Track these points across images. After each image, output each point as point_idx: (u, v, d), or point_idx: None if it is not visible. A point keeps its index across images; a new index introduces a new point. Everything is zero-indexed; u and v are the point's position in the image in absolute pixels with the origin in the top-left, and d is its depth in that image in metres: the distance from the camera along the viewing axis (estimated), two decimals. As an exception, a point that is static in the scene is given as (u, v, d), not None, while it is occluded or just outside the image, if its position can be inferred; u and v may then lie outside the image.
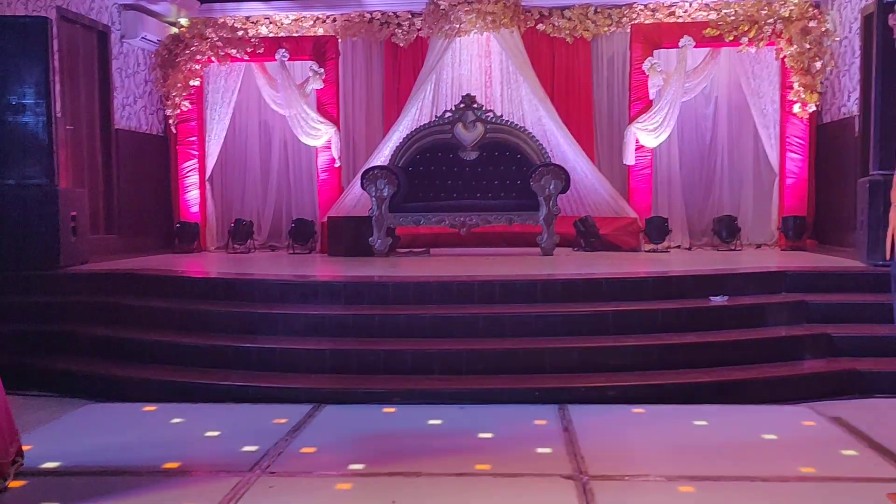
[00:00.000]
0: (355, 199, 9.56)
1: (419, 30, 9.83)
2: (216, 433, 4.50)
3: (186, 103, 9.91)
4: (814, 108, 9.21)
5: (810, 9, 9.19)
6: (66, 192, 7.20)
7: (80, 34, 8.69)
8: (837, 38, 9.03)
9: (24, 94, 6.78)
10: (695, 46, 9.40)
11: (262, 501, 3.47)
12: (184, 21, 10.00)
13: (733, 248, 9.22)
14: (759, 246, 9.63)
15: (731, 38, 9.19)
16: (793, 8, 9.17)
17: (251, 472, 3.80)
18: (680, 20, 9.63)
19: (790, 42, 9.08)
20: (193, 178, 10.08)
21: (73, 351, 6.04)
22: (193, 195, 10.08)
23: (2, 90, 6.77)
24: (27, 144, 6.85)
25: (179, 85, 9.81)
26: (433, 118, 9.53)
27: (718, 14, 9.37)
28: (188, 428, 4.68)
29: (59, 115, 7.44)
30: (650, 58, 9.47)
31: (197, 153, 10.08)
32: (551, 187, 8.23)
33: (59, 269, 6.87)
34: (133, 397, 5.28)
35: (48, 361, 5.80)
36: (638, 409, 4.81)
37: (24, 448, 3.77)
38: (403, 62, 10.29)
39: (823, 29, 9.08)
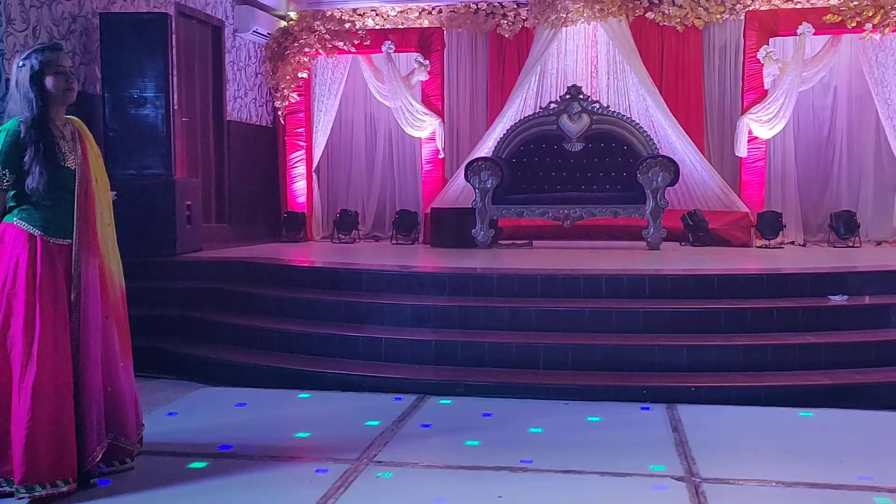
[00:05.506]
0: (458, 190, 9.57)
1: (525, 20, 9.74)
2: (324, 420, 4.57)
3: (294, 95, 10.11)
4: (944, 98, 8.72)
5: (941, -9, 8.67)
6: (181, 182, 7.42)
7: (196, 29, 8.97)
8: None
9: (145, 87, 7.04)
10: (814, 34, 9.01)
11: (370, 490, 3.49)
12: (293, 14, 10.20)
13: (851, 244, 8.80)
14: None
15: (854, 24, 8.74)
16: (922, -10, 8.67)
17: (359, 460, 3.84)
18: (798, 6, 9.19)
19: (919, 28, 8.60)
20: (301, 169, 10.28)
21: (188, 335, 6.25)
22: (300, 185, 10.28)
23: (124, 84, 7.04)
24: (147, 136, 7.10)
25: (288, 77, 10.02)
26: (538, 109, 9.45)
27: (840, -1, 8.96)
28: (297, 414, 4.77)
29: (176, 107, 7.69)
30: (765, 46, 9.14)
31: (304, 144, 10.28)
32: (659, 179, 8.05)
33: (174, 257, 7.11)
34: (244, 382, 5.42)
35: (164, 344, 5.99)
36: (750, 411, 4.64)
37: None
38: (508, 53, 10.21)
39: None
